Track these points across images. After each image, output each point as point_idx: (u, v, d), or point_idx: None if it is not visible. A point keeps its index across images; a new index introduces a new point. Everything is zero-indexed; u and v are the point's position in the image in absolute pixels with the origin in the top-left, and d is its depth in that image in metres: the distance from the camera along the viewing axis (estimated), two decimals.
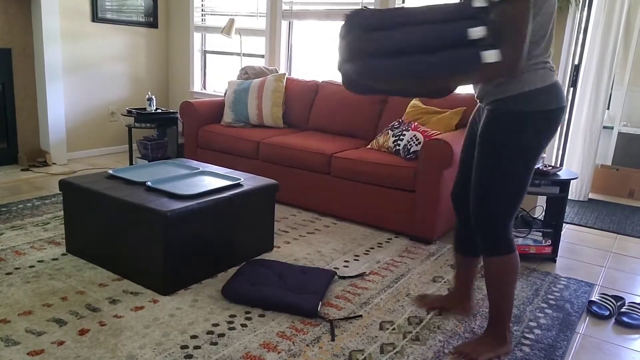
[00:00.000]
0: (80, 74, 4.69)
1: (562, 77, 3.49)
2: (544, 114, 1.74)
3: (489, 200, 1.82)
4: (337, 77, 4.23)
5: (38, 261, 2.52)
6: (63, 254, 2.61)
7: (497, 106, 1.78)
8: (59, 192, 3.64)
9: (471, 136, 2.01)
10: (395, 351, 1.93)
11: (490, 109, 1.81)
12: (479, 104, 1.95)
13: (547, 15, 1.69)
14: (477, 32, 1.49)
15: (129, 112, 4.46)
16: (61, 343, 1.85)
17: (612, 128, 4.91)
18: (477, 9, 1.52)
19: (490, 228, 1.84)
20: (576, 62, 3.74)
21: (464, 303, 2.24)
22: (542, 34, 1.70)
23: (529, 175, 1.81)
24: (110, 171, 2.66)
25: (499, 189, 1.80)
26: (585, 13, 3.68)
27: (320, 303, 2.17)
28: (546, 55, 1.75)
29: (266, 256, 2.74)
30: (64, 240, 2.78)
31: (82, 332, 1.92)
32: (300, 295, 2.21)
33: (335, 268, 2.64)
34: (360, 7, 2.07)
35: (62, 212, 3.21)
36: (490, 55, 1.50)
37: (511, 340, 1.98)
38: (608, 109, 4.77)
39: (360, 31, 1.59)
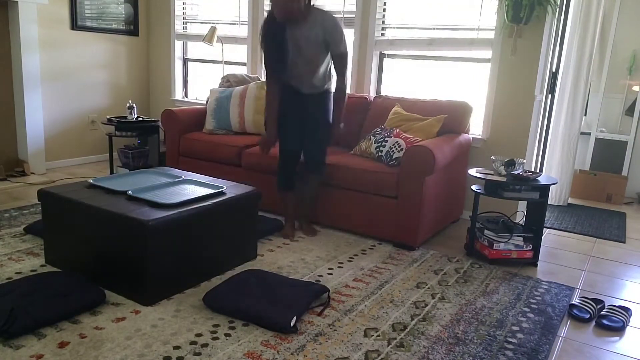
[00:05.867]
0: (59, 83, 4.63)
1: (540, 84, 3.55)
2: None
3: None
4: None
5: (16, 273, 2.46)
6: (42, 265, 2.57)
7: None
8: (38, 202, 3.58)
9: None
10: (380, 358, 1.93)
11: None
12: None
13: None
14: None
15: (110, 121, 4.41)
16: (40, 357, 1.81)
17: (589, 134, 5.01)
18: None
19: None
20: (554, 70, 3.82)
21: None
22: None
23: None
24: (91, 180, 2.63)
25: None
26: (561, 22, 3.75)
27: (295, 317, 2.08)
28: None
29: (250, 265, 2.73)
30: (42, 251, 2.73)
31: (62, 345, 1.88)
32: (276, 308, 2.12)
33: (319, 275, 2.63)
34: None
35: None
36: None
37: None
38: (585, 115, 4.87)
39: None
